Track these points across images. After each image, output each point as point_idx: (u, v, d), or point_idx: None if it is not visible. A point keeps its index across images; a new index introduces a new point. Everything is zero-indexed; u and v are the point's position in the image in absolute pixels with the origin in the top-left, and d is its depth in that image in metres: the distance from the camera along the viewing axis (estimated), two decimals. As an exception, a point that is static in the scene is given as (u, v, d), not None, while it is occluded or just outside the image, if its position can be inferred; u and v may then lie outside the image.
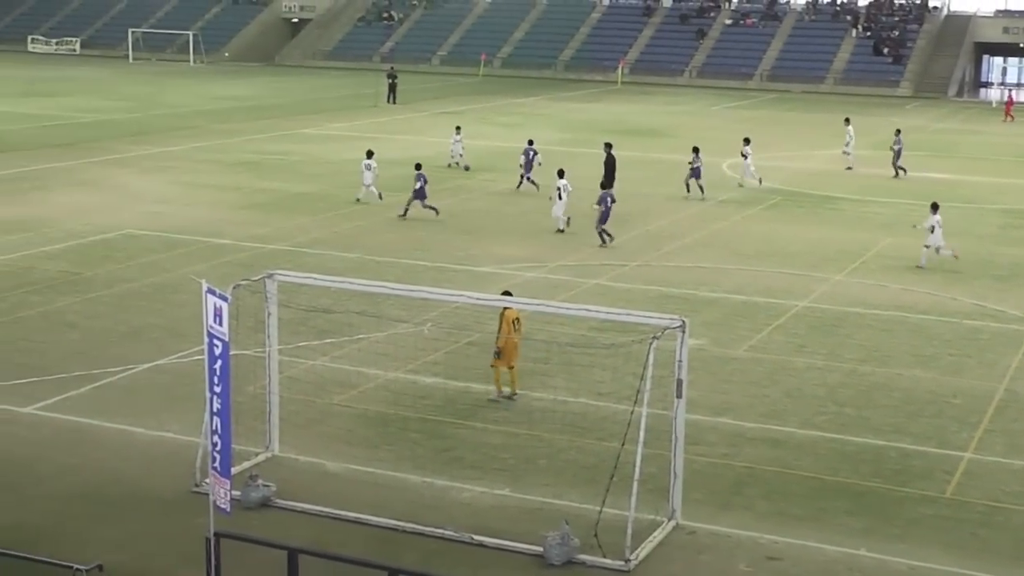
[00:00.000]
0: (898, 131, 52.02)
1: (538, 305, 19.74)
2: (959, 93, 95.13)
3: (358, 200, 41.11)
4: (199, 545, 14.69)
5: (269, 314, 19.29)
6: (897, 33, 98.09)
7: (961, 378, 24.44)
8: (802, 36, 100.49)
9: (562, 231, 36.54)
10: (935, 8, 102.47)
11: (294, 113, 69.35)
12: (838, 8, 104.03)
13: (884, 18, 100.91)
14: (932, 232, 33.11)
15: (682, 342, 16.97)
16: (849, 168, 51.54)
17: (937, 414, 22.35)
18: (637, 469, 16.34)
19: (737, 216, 39.14)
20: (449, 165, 48.85)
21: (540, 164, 44.23)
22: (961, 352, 26.19)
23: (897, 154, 50.36)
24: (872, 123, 67.76)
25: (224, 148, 54.58)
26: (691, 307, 28.30)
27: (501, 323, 21.91)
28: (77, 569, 13.99)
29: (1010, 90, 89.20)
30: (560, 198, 36.90)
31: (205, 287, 14.26)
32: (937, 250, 33.28)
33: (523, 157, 44.63)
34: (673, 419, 17.18)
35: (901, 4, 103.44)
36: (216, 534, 14.19)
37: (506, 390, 22.27)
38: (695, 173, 43.63)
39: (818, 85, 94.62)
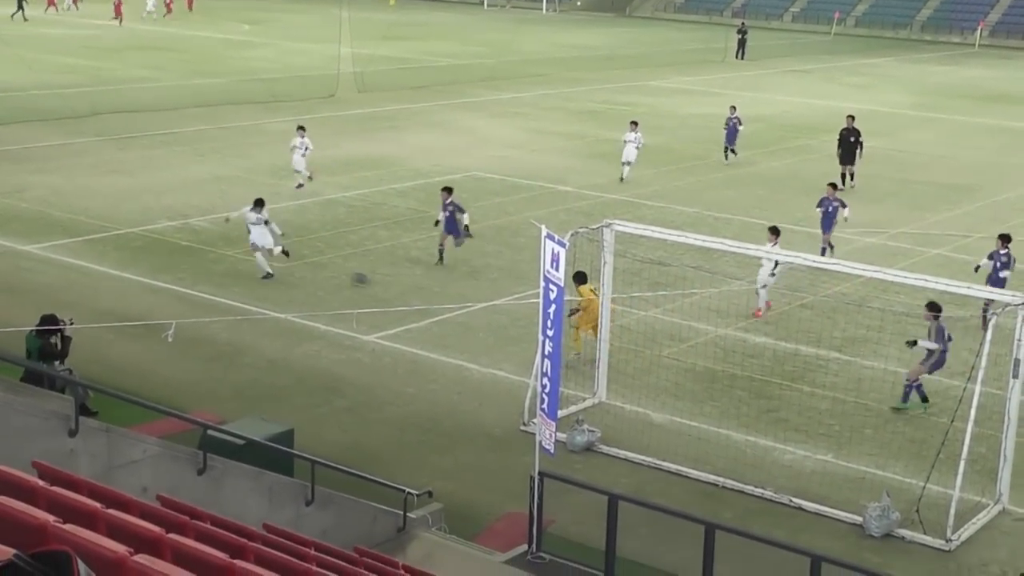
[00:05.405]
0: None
1: (875, 272, 19.37)
2: None
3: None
4: (523, 482, 15.18)
5: (605, 263, 19.66)
6: None
7: None
8: None
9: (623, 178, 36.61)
10: None
11: (642, 65, 69.56)
12: None
13: None
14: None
15: (1023, 320, 16.41)
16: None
17: None
18: (965, 448, 15.96)
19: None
20: (300, 185, 34.27)
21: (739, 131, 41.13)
22: None
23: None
24: None
25: (572, 96, 55.34)
26: (1038, 285, 27.17)
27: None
28: (409, 492, 14.62)
29: None
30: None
31: (544, 232, 14.55)
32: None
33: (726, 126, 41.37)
34: (1007, 400, 16.68)
35: None
36: (541, 473, 14.59)
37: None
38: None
39: None
